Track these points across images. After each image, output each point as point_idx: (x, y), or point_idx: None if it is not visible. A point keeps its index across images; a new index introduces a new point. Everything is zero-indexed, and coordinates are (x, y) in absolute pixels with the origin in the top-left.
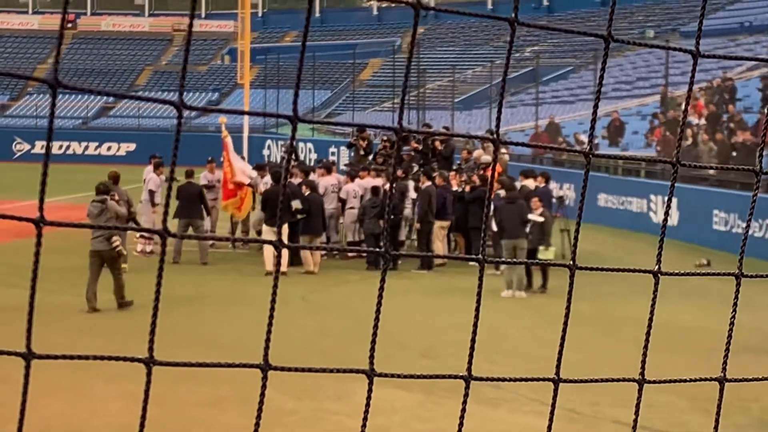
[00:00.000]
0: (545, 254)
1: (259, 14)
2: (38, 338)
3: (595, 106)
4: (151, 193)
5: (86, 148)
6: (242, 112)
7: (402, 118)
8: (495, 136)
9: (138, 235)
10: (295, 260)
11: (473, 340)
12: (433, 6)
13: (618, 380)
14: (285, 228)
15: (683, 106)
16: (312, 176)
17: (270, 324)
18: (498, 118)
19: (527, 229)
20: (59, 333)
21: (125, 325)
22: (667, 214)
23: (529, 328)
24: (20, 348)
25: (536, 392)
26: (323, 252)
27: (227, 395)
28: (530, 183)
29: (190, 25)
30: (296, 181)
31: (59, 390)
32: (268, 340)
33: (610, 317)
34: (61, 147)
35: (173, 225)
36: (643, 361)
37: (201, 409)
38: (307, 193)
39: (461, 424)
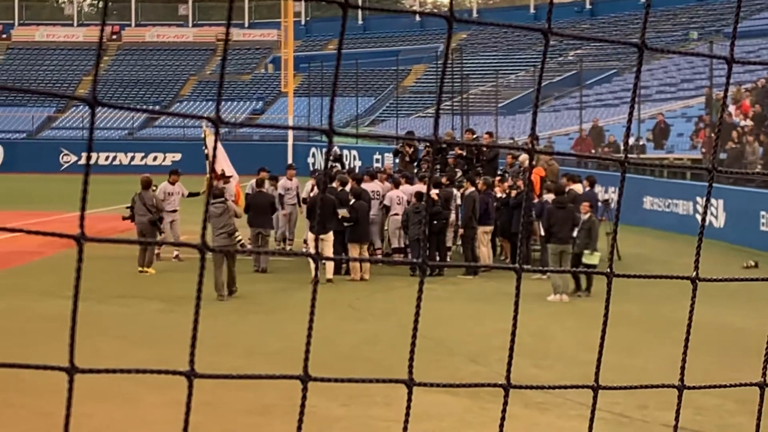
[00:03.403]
0: (590, 259)
1: (302, 23)
2: (86, 348)
3: (630, 114)
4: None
5: (132, 158)
6: (277, 127)
7: (437, 129)
8: (530, 146)
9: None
10: (343, 268)
11: (511, 349)
12: (467, 17)
13: (657, 386)
14: (330, 235)
15: (720, 113)
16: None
17: (309, 336)
18: (533, 128)
19: (574, 233)
20: (106, 342)
21: (171, 334)
22: (704, 220)
23: (575, 332)
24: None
25: (584, 396)
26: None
27: (274, 402)
28: (578, 187)
29: (226, 42)
30: (348, 187)
31: (106, 399)
32: (307, 351)
33: (659, 319)
34: (107, 158)
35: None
36: (683, 368)
37: (248, 417)
38: (353, 201)
39: None
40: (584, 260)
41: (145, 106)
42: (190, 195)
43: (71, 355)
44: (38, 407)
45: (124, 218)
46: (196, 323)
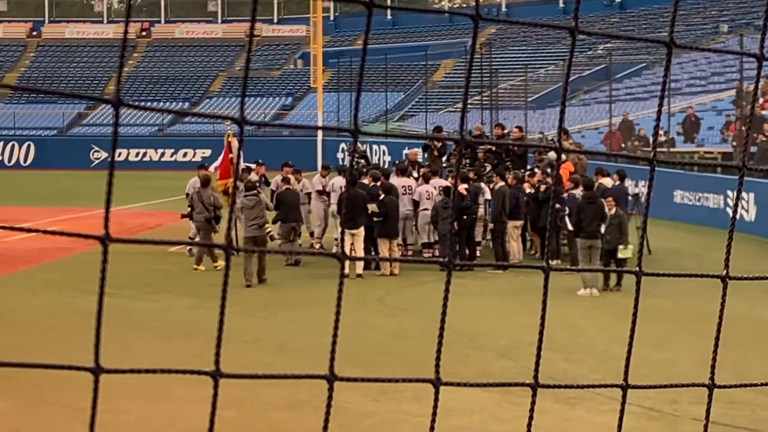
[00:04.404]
0: (624, 253)
1: (331, 18)
2: (117, 344)
3: (659, 111)
4: (188, 195)
5: (162, 155)
6: (302, 126)
7: (463, 127)
8: (559, 143)
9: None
10: (373, 264)
11: (539, 348)
12: (496, 13)
13: (686, 385)
14: (362, 230)
15: (750, 108)
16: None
17: (335, 336)
18: (560, 126)
19: (602, 229)
20: (139, 338)
21: (202, 329)
22: (734, 217)
23: (606, 327)
24: (100, 357)
25: (614, 391)
26: (401, 253)
27: (305, 398)
28: (607, 181)
29: (250, 42)
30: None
31: (140, 394)
32: (333, 351)
33: (690, 313)
34: (137, 154)
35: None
36: (713, 366)
37: (281, 413)
38: (383, 196)
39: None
40: (620, 255)
41: (174, 103)
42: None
43: (96, 355)
44: (72, 403)
45: (183, 216)
46: (222, 324)
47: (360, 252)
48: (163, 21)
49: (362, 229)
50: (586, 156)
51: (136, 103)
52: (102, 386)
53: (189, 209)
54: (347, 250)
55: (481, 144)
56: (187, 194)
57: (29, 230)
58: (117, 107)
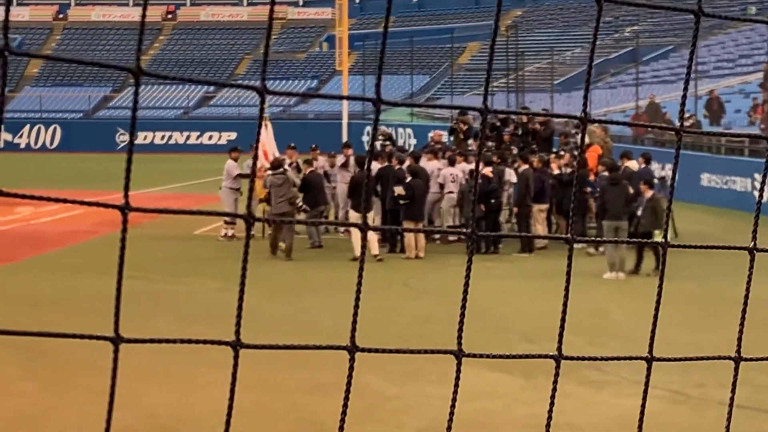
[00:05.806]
0: (659, 238)
1: (357, 1)
2: (143, 326)
3: (686, 83)
4: (233, 177)
5: (188, 137)
6: (325, 96)
7: (487, 98)
8: (583, 114)
9: (223, 219)
10: (397, 248)
11: (563, 320)
12: None
13: (711, 358)
14: (371, 214)
15: None
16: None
17: (356, 306)
18: (585, 96)
19: (639, 212)
20: (164, 321)
21: (228, 312)
22: (762, 189)
23: (632, 310)
24: (123, 335)
25: (639, 375)
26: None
27: (329, 380)
28: (633, 164)
29: (271, 11)
30: (405, 165)
31: (164, 376)
32: (354, 322)
33: (717, 297)
34: (163, 137)
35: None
36: (740, 339)
37: (304, 395)
38: (410, 178)
39: (552, 404)
40: (656, 239)
41: (199, 86)
42: (240, 176)
43: (116, 324)
44: (96, 386)
45: (260, 201)
46: (242, 293)
47: (371, 236)
48: (188, 4)
49: (371, 214)
50: (613, 139)
51: (162, 86)
52: (124, 369)
53: (267, 193)
54: (357, 234)
55: (502, 113)
56: (240, 175)
57: (46, 199)
58: (137, 76)
